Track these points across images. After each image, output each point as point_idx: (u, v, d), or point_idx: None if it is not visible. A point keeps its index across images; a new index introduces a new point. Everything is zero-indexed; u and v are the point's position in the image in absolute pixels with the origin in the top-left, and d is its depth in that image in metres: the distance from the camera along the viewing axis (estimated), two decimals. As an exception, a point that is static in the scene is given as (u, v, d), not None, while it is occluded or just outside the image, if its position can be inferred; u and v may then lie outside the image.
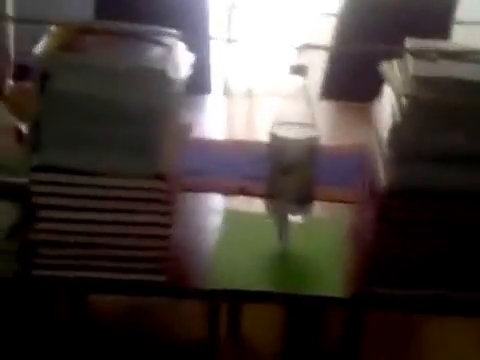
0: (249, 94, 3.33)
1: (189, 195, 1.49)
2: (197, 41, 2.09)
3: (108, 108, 1.18)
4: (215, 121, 2.09)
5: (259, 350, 2.23)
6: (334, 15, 2.42)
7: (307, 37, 3.07)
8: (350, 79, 2.25)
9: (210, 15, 2.39)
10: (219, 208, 1.49)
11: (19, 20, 2.42)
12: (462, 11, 2.36)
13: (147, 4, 2.26)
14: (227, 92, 3.23)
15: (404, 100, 1.18)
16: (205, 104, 2.25)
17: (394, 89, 1.25)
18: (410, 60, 1.25)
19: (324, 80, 2.35)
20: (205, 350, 2.12)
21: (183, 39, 1.37)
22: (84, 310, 2.32)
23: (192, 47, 1.40)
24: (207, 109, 2.22)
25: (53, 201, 1.20)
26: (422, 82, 1.18)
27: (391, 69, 1.32)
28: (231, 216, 1.45)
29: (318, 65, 2.35)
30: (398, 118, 1.19)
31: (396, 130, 1.19)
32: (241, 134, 1.95)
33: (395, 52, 1.31)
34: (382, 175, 1.23)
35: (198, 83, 2.28)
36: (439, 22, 2.28)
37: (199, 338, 2.12)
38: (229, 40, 3.13)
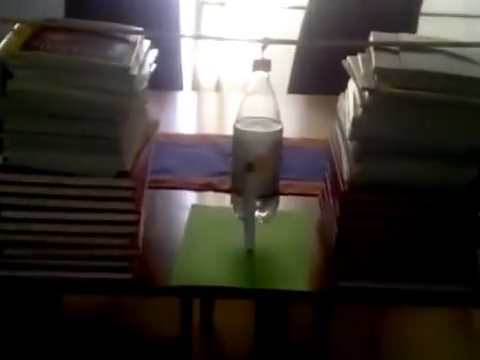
0: (218, 89, 3.33)
1: (157, 192, 1.49)
2: (168, 38, 2.09)
3: (71, 107, 1.17)
4: (186, 117, 2.09)
5: (232, 344, 2.23)
6: (303, 8, 2.42)
7: (279, 31, 3.08)
8: (318, 73, 2.25)
9: (180, 12, 2.40)
10: (188, 204, 1.48)
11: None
12: (428, 3, 2.37)
13: (119, 3, 2.26)
14: (196, 87, 3.23)
15: (365, 93, 1.18)
16: (176, 100, 2.25)
17: (356, 82, 1.25)
18: (373, 53, 1.24)
19: (292, 74, 2.36)
20: (179, 345, 2.12)
21: (154, 37, 1.37)
22: (57, 308, 2.32)
23: (163, 44, 1.39)
24: (178, 105, 2.22)
25: (17, 201, 1.19)
26: (383, 74, 1.17)
27: (355, 63, 1.32)
28: (198, 211, 1.44)
29: (289, 59, 2.36)
30: (359, 111, 1.19)
31: (358, 123, 1.19)
32: (211, 129, 1.95)
33: (363, 46, 1.31)
34: (345, 169, 1.23)
35: (170, 80, 2.29)
36: (406, 15, 2.29)
37: (173, 333, 2.12)
38: (197, 36, 3.13)
